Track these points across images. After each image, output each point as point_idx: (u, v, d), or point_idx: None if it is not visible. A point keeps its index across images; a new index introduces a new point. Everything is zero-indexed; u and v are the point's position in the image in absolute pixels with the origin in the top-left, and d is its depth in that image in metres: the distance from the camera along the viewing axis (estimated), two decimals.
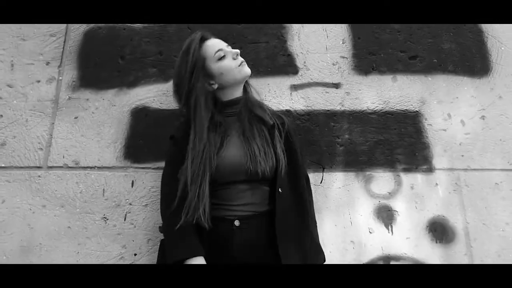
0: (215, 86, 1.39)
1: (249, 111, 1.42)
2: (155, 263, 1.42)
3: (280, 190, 1.31)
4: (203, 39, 1.39)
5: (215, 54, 1.36)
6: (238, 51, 1.41)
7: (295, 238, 1.32)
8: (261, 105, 1.48)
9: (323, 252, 1.41)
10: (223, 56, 1.37)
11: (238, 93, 1.45)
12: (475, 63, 1.91)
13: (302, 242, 1.34)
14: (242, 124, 1.38)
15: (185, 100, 1.37)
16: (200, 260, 1.21)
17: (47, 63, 1.82)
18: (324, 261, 1.39)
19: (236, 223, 1.27)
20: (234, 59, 1.39)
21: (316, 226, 1.45)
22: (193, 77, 1.34)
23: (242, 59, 1.41)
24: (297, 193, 1.39)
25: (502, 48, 1.94)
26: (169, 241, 1.29)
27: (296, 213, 1.36)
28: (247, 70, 1.41)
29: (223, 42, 1.43)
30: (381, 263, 1.60)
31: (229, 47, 1.43)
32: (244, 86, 1.48)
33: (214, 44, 1.39)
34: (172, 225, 1.24)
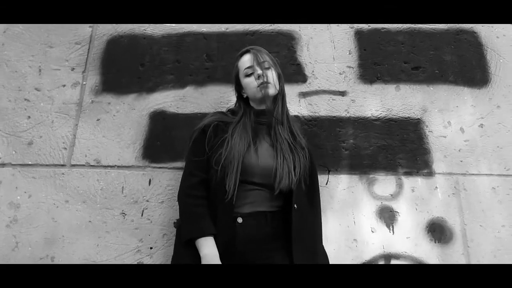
0: (245, 96, 1.56)
1: (276, 125, 1.49)
2: (170, 256, 1.49)
3: (295, 205, 1.38)
4: (243, 53, 1.55)
5: (244, 70, 1.51)
6: (260, 72, 1.46)
7: (308, 245, 1.39)
8: (290, 123, 1.54)
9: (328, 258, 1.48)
10: (250, 73, 1.50)
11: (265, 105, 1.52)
12: (475, 74, 2.00)
13: (314, 248, 1.43)
14: (270, 135, 1.49)
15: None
16: (209, 240, 1.29)
17: (72, 69, 1.95)
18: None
19: (239, 220, 1.34)
20: (256, 79, 1.48)
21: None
22: (235, 82, 1.59)
23: (262, 81, 1.45)
24: (312, 209, 1.48)
25: (501, 61, 2.02)
26: (186, 219, 1.38)
27: (310, 226, 1.44)
28: (266, 91, 1.46)
29: (257, 59, 1.49)
30: (382, 262, 1.68)
31: (260, 65, 1.48)
32: (276, 99, 1.53)
33: (246, 61, 1.51)
34: (191, 205, 1.37)
